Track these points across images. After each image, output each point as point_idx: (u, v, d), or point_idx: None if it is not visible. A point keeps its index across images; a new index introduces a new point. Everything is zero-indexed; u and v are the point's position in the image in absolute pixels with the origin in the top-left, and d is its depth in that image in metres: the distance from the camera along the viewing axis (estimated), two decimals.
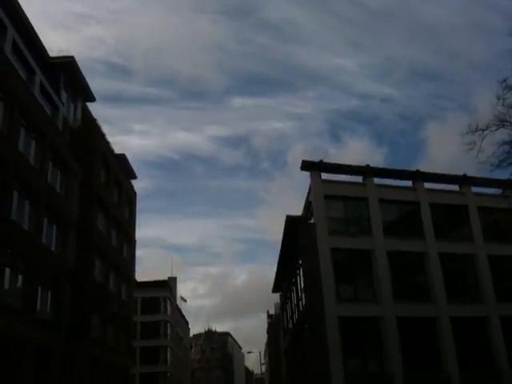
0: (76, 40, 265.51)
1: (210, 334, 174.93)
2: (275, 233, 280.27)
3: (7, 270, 22.86)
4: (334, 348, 28.01)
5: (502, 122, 19.23)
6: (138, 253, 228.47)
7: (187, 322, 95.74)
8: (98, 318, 35.10)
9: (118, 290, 40.93)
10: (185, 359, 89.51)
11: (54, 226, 28.81)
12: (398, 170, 34.71)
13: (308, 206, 33.84)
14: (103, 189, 37.79)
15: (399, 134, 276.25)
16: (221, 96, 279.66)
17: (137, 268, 66.70)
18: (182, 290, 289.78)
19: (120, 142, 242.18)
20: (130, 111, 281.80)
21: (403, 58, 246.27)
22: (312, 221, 32.44)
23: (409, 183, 34.77)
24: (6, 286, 22.78)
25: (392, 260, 31.37)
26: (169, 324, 69.55)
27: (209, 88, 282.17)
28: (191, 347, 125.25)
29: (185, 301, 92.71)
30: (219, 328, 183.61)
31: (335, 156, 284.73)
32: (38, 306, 26.00)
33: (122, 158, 45.82)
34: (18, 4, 26.96)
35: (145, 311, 62.74)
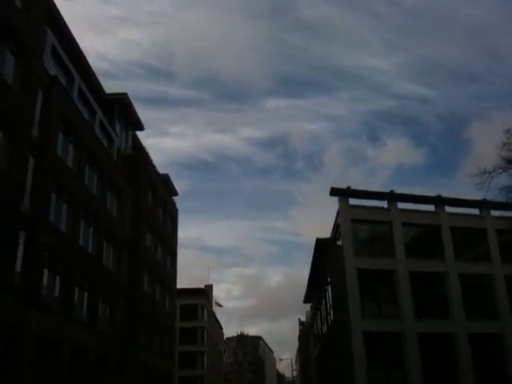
0: (113, 42, 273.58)
1: (242, 338, 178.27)
2: (309, 235, 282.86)
3: (76, 289, 26.78)
4: (358, 361, 31.09)
5: (507, 166, 22.02)
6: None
7: (221, 327, 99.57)
8: (146, 327, 38.93)
9: (163, 301, 44.85)
10: (219, 363, 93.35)
11: (112, 247, 32.76)
12: (420, 196, 37.43)
13: (336, 228, 36.98)
14: (151, 209, 41.74)
15: (438, 134, 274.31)
16: (255, 97, 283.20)
17: None
18: (216, 291, 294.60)
19: (155, 143, 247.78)
20: (166, 113, 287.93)
21: (441, 58, 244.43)
22: (340, 242, 35.60)
23: (431, 207, 37.47)
24: (76, 302, 26.73)
25: (413, 279, 34.21)
26: (205, 330, 73.67)
27: (244, 89, 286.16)
28: (224, 351, 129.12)
29: (220, 306, 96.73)
30: (252, 330, 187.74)
31: (372, 157, 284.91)
32: (99, 318, 29.93)
33: (165, 178, 49.75)
34: (83, 56, 31.04)
35: (183, 318, 66.67)
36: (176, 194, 54.00)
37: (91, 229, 29.26)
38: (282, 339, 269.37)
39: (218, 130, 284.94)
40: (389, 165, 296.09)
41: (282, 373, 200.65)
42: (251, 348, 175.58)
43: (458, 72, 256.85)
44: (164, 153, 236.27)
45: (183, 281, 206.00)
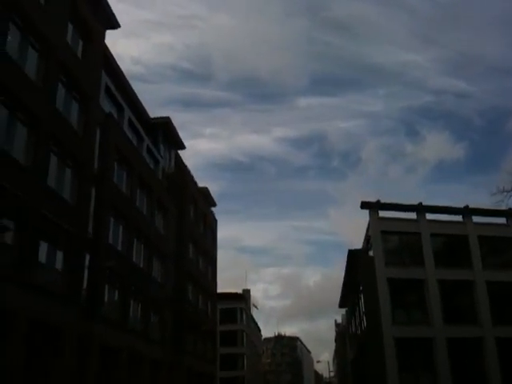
0: (147, 47, 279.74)
1: (279, 339, 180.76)
2: (347, 234, 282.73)
3: (131, 302, 29.87)
4: (390, 364, 33.27)
5: None
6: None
7: (259, 329, 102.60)
8: (191, 333, 41.93)
9: (205, 307, 47.85)
10: (258, 364, 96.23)
11: (159, 261, 35.81)
12: (448, 207, 39.23)
13: (368, 239, 39.17)
14: (192, 223, 44.74)
15: (478, 129, 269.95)
16: (289, 97, 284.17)
17: None
18: (253, 291, 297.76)
19: (190, 146, 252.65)
20: (200, 115, 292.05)
21: (478, 52, 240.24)
22: (371, 253, 37.79)
23: (459, 218, 39.22)
24: (132, 314, 29.83)
25: (442, 287, 36.12)
26: (244, 333, 76.78)
27: (277, 89, 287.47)
28: (262, 352, 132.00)
29: (257, 308, 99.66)
30: (290, 329, 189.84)
31: (411, 153, 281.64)
32: (150, 326, 33.00)
33: (204, 191, 52.75)
34: (132, 89, 34.20)
35: (223, 321, 69.65)
36: (215, 204, 56.96)
37: (142, 246, 32.33)
38: (320, 338, 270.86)
39: (252, 131, 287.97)
40: (429, 160, 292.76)
41: (320, 373, 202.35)
42: (289, 349, 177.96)
43: (497, 65, 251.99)
44: (199, 155, 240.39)
45: (222, 281, 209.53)
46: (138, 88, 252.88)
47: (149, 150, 37.26)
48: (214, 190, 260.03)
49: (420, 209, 38.41)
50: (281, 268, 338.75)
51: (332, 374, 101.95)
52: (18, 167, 17.98)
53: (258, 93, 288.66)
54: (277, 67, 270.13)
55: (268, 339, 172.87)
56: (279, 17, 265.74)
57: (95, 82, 25.60)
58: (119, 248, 28.47)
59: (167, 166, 42.39)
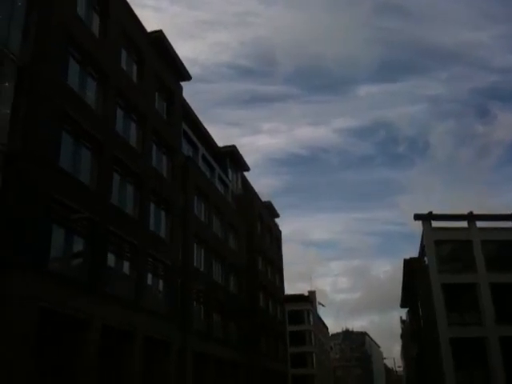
0: (203, 47, 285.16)
1: (347, 334, 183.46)
2: (417, 223, 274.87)
3: (214, 314, 34.98)
4: (447, 363, 36.75)
5: None
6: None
7: (327, 327, 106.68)
8: (264, 336, 46.78)
9: (275, 312, 52.62)
10: (326, 361, 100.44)
11: (234, 275, 40.84)
12: (498, 215, 42.04)
13: (422, 248, 42.61)
14: (260, 237, 49.57)
15: None
16: (347, 86, 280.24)
17: None
18: (322, 285, 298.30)
19: (249, 142, 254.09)
20: (258, 110, 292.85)
21: None
22: (426, 261, 41.26)
23: (509, 224, 41.89)
24: (214, 324, 34.93)
25: (494, 290, 39.07)
26: (312, 333, 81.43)
27: (335, 79, 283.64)
28: (331, 348, 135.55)
29: (323, 306, 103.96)
30: (360, 323, 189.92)
31: (483, 134, 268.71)
32: (230, 333, 38.05)
33: (268, 205, 57.47)
34: (204, 127, 39.39)
35: (292, 322, 74.29)
36: (278, 216, 61.58)
37: (220, 265, 37.40)
38: (392, 331, 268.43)
39: (310, 123, 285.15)
40: (503, 140, 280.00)
41: (390, 367, 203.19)
42: (357, 343, 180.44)
43: None
44: (258, 151, 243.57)
45: (289, 275, 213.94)
46: (196, 88, 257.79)
47: (219, 177, 42.32)
48: (276, 185, 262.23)
49: (471, 218, 41.42)
50: (348, 261, 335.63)
51: (400, 369, 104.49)
52: (129, 220, 23.25)
53: (313, 85, 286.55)
54: (333, 57, 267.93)
55: (336, 335, 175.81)
56: (334, 6, 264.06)
57: (178, 133, 30.81)
58: (202, 269, 33.62)
59: (235, 188, 47.37)
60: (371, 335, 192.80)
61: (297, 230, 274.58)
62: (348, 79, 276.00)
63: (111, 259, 21.76)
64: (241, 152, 46.94)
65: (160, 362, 25.44)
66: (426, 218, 41.34)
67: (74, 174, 19.38)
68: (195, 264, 32.49)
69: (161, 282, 26.61)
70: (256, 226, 48.72)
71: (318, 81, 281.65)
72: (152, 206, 26.06)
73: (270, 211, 57.70)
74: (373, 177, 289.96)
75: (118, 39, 24.07)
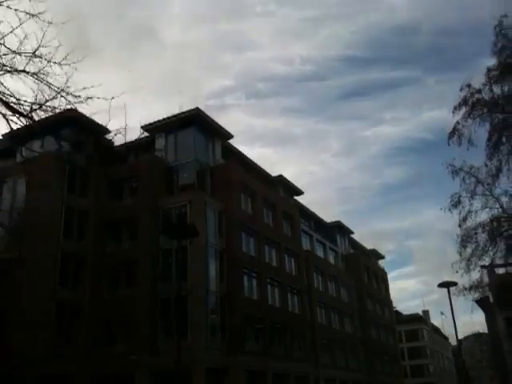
0: (313, 44, 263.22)
1: (477, 336, 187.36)
2: None
3: (337, 351, 51.38)
4: None
5: None
6: (412, 243, 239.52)
7: (446, 338, 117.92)
8: (379, 359, 62.11)
9: (386, 339, 67.69)
10: (449, 368, 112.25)
11: (347, 319, 56.86)
12: None
13: None
14: (367, 285, 65.01)
15: None
16: (466, 61, 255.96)
17: None
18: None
19: (372, 133, 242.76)
20: (376, 100, 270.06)
21: None
22: None
23: None
24: (338, 357, 51.40)
25: None
26: (427, 348, 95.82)
27: (452, 56, 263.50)
28: (461, 352, 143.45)
29: (445, 316, 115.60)
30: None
31: None
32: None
33: (373, 252, 72.64)
34: (316, 216, 56.41)
35: (408, 339, 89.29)
36: (383, 257, 76.67)
37: (336, 315, 53.78)
38: None
39: (432, 107, 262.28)
40: None
41: None
42: (488, 344, 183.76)
43: None
44: (381, 141, 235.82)
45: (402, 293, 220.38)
46: (311, 87, 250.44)
47: (331, 249, 58.86)
48: (395, 175, 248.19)
49: None
50: None
51: None
52: (277, 309, 40.65)
53: (430, 65, 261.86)
54: (451, 31, 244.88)
55: (466, 338, 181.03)
56: None
57: (299, 238, 48.04)
58: (324, 323, 50.32)
59: (343, 250, 63.57)
60: None
61: (430, 220, 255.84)
62: (466, 53, 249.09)
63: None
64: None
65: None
66: None
67: (251, 296, 37.20)
68: (319, 320, 49.27)
69: (299, 339, 43.70)
70: (363, 277, 64.32)
71: (432, 61, 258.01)
72: (289, 295, 43.26)
73: (375, 258, 72.99)
74: None
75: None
